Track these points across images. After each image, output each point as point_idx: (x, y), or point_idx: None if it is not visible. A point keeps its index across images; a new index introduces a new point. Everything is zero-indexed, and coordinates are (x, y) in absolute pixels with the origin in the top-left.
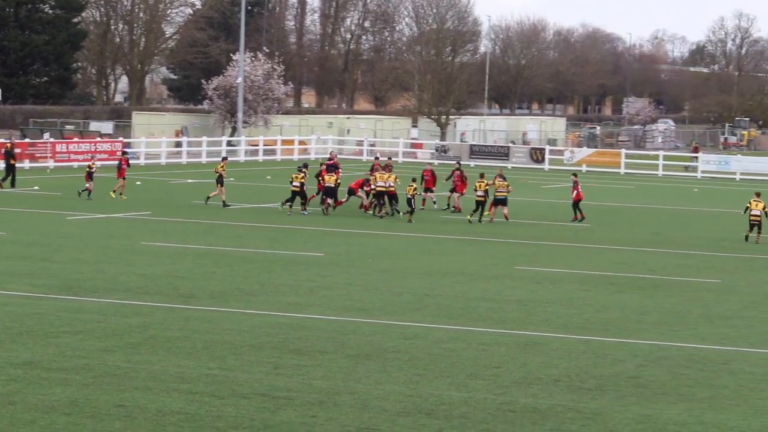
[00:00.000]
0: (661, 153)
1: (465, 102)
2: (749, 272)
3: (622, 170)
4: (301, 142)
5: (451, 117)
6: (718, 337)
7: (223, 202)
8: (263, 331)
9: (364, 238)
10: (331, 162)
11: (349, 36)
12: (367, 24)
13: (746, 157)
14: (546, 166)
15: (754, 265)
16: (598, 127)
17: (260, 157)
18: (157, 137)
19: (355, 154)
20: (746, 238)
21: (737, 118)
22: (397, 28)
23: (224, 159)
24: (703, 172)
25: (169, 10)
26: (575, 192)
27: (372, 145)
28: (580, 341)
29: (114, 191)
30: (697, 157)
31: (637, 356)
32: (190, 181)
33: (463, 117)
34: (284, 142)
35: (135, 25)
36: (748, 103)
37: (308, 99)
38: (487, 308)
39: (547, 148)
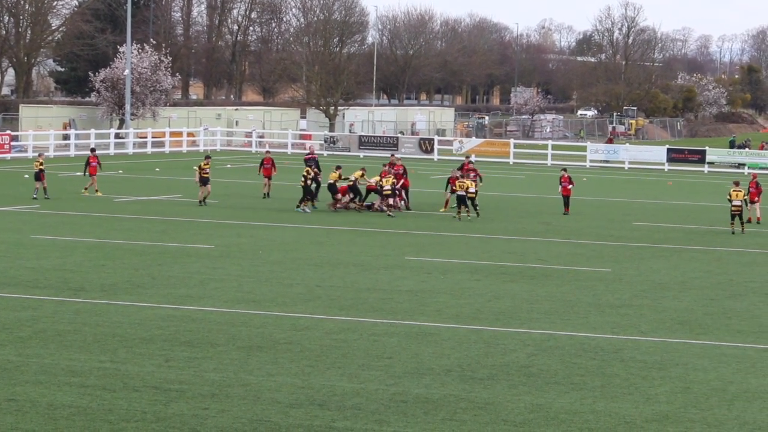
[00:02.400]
0: (550, 142)
1: (353, 93)
2: (639, 261)
3: (511, 160)
4: (189, 134)
5: (339, 108)
6: (609, 326)
7: (203, 199)
8: (154, 324)
9: (254, 229)
10: (311, 156)
11: (236, 27)
12: (254, 15)
13: (634, 146)
14: (435, 156)
15: (643, 254)
16: (487, 117)
17: (149, 150)
18: (44, 130)
19: (244, 146)
20: (732, 231)
21: (625, 107)
22: (285, 19)
23: (207, 157)
24: (591, 161)
25: (56, 2)
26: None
27: (261, 137)
28: (471, 331)
29: (86, 189)
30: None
31: (529, 345)
32: (78, 174)
33: (351, 108)
34: (172, 134)
35: (21, 17)
36: (635, 92)
37: (196, 91)
38: (378, 299)
39: (436, 138)
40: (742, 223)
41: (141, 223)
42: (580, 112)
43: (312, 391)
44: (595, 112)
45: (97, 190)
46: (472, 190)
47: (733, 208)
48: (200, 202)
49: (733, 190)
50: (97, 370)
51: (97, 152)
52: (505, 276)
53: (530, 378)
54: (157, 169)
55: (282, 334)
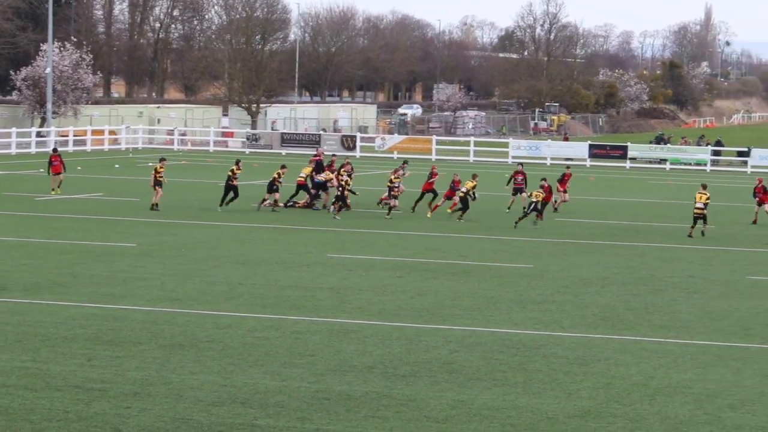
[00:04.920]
0: (472, 139)
1: (275, 90)
2: (561, 257)
3: (433, 157)
4: (111, 132)
5: (261, 105)
6: (531, 322)
7: (155, 204)
8: (77, 323)
9: (176, 228)
10: (317, 158)
11: (158, 25)
12: (176, 13)
13: (556, 142)
14: (357, 153)
15: (566, 250)
16: (409, 114)
17: (70, 148)
18: None
19: (166, 144)
20: (690, 235)
21: (547, 104)
22: (207, 17)
23: (162, 159)
24: (514, 157)
25: None
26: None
27: (183, 135)
28: (394, 328)
29: (54, 189)
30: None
31: (451, 342)
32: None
33: (273, 105)
34: (94, 132)
35: None
36: (557, 89)
37: (118, 89)
38: (301, 296)
39: (358, 135)
40: (704, 224)
41: (63, 222)
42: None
43: (234, 389)
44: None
45: (54, 189)
46: (463, 189)
47: (695, 211)
48: (153, 206)
49: (699, 193)
50: (19, 369)
51: (59, 151)
52: (427, 273)
53: (452, 374)
54: (79, 168)
55: (204, 332)
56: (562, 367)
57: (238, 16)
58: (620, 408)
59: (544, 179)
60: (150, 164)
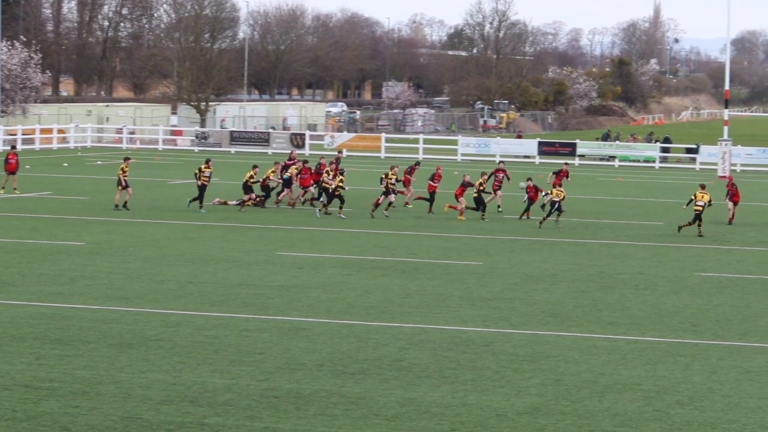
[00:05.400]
0: (421, 137)
1: (224, 88)
2: (510, 254)
3: (383, 154)
4: (60, 131)
5: (210, 103)
6: (481, 319)
7: (120, 204)
8: (24, 322)
9: (125, 226)
10: (292, 162)
11: (107, 23)
12: (125, 11)
13: (505, 140)
14: (306, 151)
15: (514, 247)
16: (358, 112)
17: (19, 147)
18: None
19: (115, 142)
20: (692, 222)
21: (496, 101)
22: (156, 15)
23: (127, 159)
24: (463, 155)
25: None
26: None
27: (132, 133)
28: (343, 326)
29: (3, 188)
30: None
31: (400, 339)
32: None
33: (222, 103)
34: (43, 131)
35: None
36: (506, 86)
37: (66, 87)
38: (250, 294)
39: (308, 133)
40: (699, 225)
41: (11, 221)
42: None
43: (183, 388)
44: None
45: (4, 187)
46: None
47: (696, 209)
48: (117, 206)
49: (699, 192)
50: None
51: (17, 149)
52: (376, 270)
53: (402, 372)
54: (28, 167)
55: (153, 330)
56: (512, 364)
57: (187, 14)
58: (569, 405)
59: (530, 179)
60: (99, 162)
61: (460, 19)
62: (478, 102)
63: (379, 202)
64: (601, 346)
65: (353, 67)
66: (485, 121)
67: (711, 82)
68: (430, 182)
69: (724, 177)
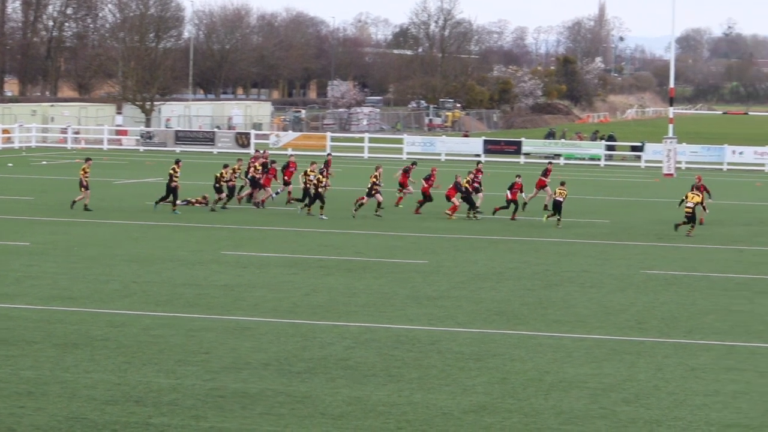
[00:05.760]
0: (367, 135)
1: (169, 88)
2: (456, 252)
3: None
4: (4, 131)
5: (155, 103)
6: (427, 318)
7: (78, 204)
8: None
9: (69, 226)
10: (263, 160)
11: (51, 23)
12: (69, 11)
13: (451, 138)
14: (252, 150)
15: (460, 246)
16: (304, 111)
17: None
18: None
19: (60, 142)
20: (676, 227)
21: (441, 100)
22: (101, 15)
23: (88, 160)
24: (408, 153)
25: None
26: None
27: (76, 133)
28: (289, 325)
29: None
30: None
31: (347, 338)
32: None
33: (167, 103)
34: None
35: None
36: (452, 85)
37: (11, 87)
38: (195, 294)
39: (253, 132)
40: (692, 226)
41: None
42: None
43: (128, 388)
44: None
45: None
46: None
47: (686, 210)
48: (86, 206)
49: (690, 193)
50: None
51: None
52: (322, 269)
53: (348, 371)
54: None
55: (98, 330)
56: (458, 363)
57: (132, 14)
58: (515, 403)
59: (518, 176)
60: (44, 162)
61: (405, 18)
62: (413, 102)
63: (363, 201)
64: (547, 344)
65: (298, 66)
66: (430, 120)
67: (656, 80)
68: (425, 183)
69: (670, 175)
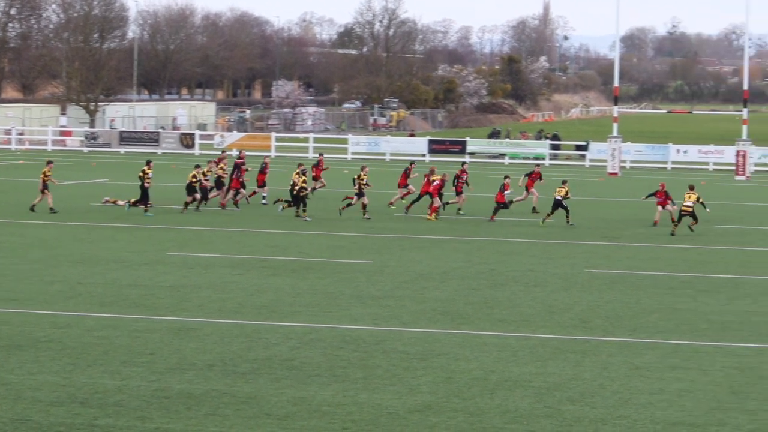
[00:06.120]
0: (311, 135)
1: (114, 88)
2: (400, 252)
3: (273, 153)
4: None
5: (100, 104)
6: (371, 318)
7: (36, 206)
8: None
9: (13, 227)
10: (241, 161)
11: None
12: (13, 11)
13: (395, 138)
14: (196, 151)
15: (404, 246)
16: (248, 111)
17: None
18: None
19: (4, 144)
20: (672, 233)
21: (386, 99)
22: (44, 15)
23: (49, 162)
24: (353, 153)
25: None
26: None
27: (20, 134)
28: (234, 325)
29: None
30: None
31: (291, 339)
32: None
33: (112, 103)
34: None
35: None
36: (396, 84)
37: None
38: (140, 295)
39: (197, 133)
40: (694, 221)
41: None
42: (345, 105)
43: (74, 389)
44: (356, 104)
45: None
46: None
47: (683, 209)
48: (51, 208)
49: (687, 193)
50: None
51: None
52: (267, 270)
53: (293, 371)
54: None
55: (43, 332)
56: (403, 363)
57: (76, 14)
58: (460, 402)
59: (507, 177)
60: None
61: (350, 17)
62: (348, 102)
63: (352, 201)
64: (492, 344)
65: (243, 66)
66: (375, 120)
67: (600, 79)
68: (424, 182)
69: (614, 174)
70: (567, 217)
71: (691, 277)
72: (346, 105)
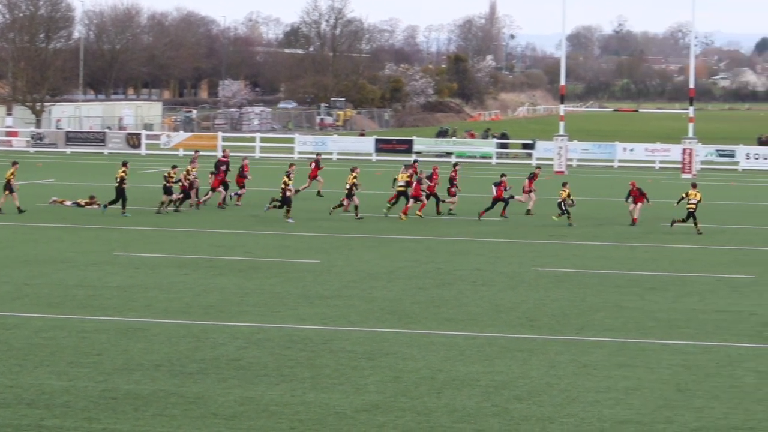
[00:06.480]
0: (258, 135)
1: (60, 88)
2: (348, 252)
3: (219, 153)
4: None
5: (46, 104)
6: (319, 317)
7: (4, 207)
8: None
9: None
10: (225, 159)
11: None
12: None
13: (342, 137)
14: (143, 151)
15: (352, 245)
16: (195, 111)
17: None
18: None
19: None
20: (672, 223)
21: (333, 99)
22: None
23: (14, 164)
24: (300, 153)
25: None
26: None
27: None
28: (181, 326)
29: None
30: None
31: (238, 338)
32: None
33: (58, 104)
34: None
35: None
36: (343, 84)
37: None
38: (87, 295)
39: (144, 132)
40: (695, 223)
41: None
42: (281, 104)
43: (20, 390)
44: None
45: None
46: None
47: (689, 207)
48: (19, 209)
49: (691, 191)
50: None
51: None
52: (213, 269)
53: (240, 371)
54: None
55: None
56: (350, 362)
57: (21, 14)
58: (408, 401)
59: (504, 175)
60: None
61: (297, 17)
62: (283, 101)
63: (345, 203)
64: (439, 343)
65: (189, 66)
66: (322, 119)
67: (547, 77)
68: (429, 182)
69: (561, 172)
70: (567, 216)
71: (638, 276)
72: (282, 104)
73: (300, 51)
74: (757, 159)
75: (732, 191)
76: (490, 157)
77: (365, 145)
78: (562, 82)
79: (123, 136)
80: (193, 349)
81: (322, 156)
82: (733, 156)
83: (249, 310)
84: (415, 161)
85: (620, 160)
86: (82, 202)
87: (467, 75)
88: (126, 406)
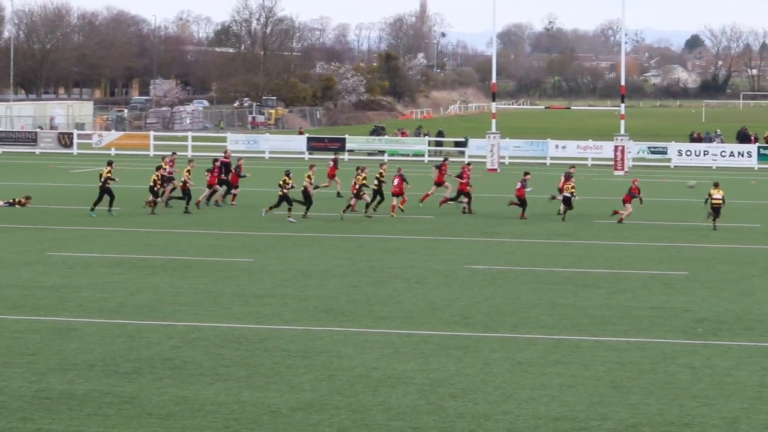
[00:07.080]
0: (190, 134)
1: None
2: (282, 250)
3: (152, 152)
4: None
5: None
6: (253, 316)
7: None
8: None
9: None
10: (226, 160)
11: None
12: None
13: (274, 136)
14: (74, 150)
15: (286, 243)
16: (126, 110)
17: None
18: None
19: None
20: (708, 216)
21: (264, 97)
22: None
23: None
24: (232, 152)
25: None
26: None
27: None
28: (115, 325)
29: None
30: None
31: (173, 338)
32: None
33: None
34: None
35: None
36: (274, 82)
37: None
38: (20, 295)
39: (75, 132)
40: (714, 219)
41: None
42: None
43: None
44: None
45: None
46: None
47: (714, 202)
48: None
49: (713, 190)
50: None
51: None
52: (146, 269)
53: (175, 370)
54: None
55: None
56: (285, 361)
57: None
58: (343, 400)
59: (527, 173)
60: None
61: (227, 15)
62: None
63: (353, 204)
64: (374, 341)
65: (120, 65)
66: (254, 118)
67: (478, 75)
68: (460, 180)
69: (494, 170)
70: (563, 212)
71: (571, 273)
72: (196, 103)
73: (231, 50)
74: (689, 155)
75: (665, 188)
76: (423, 155)
77: (297, 143)
78: (494, 79)
79: (54, 136)
80: (127, 349)
81: (253, 155)
82: (665, 153)
83: (183, 310)
84: (446, 159)
85: (552, 158)
86: (20, 200)
87: (399, 73)
88: (61, 406)
